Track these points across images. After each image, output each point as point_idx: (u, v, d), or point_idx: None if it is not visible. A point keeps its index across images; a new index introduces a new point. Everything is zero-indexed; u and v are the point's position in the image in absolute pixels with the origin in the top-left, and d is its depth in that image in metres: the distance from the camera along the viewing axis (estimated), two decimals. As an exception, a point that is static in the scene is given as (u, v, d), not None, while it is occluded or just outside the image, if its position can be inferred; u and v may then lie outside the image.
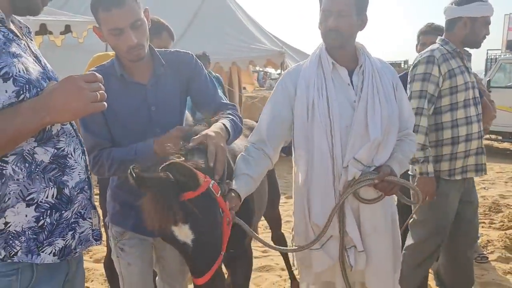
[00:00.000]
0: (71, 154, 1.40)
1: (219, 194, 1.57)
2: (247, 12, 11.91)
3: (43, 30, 7.22)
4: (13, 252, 1.27)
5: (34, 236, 1.30)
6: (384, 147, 2.05)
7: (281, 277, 3.84)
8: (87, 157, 1.50)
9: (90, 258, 4.26)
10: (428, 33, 3.52)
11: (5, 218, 1.26)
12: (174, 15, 10.82)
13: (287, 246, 3.05)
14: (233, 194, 1.79)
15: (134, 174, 1.41)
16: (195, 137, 1.68)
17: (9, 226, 1.27)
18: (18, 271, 1.29)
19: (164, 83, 2.02)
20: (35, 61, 1.38)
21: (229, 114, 2.01)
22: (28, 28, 1.50)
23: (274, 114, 2.14)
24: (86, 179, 1.46)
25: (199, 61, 2.14)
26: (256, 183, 2.02)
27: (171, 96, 2.05)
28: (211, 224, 1.54)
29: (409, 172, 2.98)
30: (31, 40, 1.48)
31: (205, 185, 1.51)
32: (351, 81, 2.07)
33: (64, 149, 1.37)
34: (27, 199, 1.29)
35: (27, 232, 1.29)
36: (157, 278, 2.36)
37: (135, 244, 2.11)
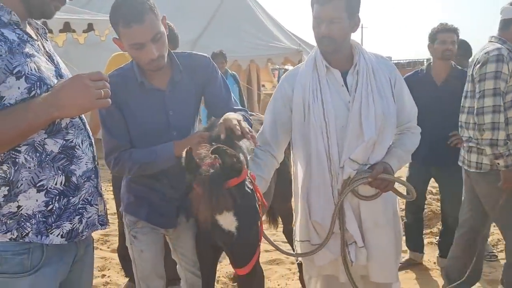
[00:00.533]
0: (79, 145, 1.51)
1: (255, 182, 1.67)
2: (266, 10, 11.98)
3: (66, 28, 7.45)
4: (25, 233, 1.40)
5: (44, 219, 1.42)
6: (380, 145, 2.10)
7: (290, 270, 3.93)
8: (94, 148, 1.61)
9: (108, 248, 4.43)
10: (448, 31, 3.55)
11: (18, 202, 1.39)
12: (194, 14, 10.99)
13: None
14: None
15: (188, 159, 1.55)
16: (217, 128, 1.78)
17: (21, 209, 1.39)
18: (30, 251, 1.41)
19: (181, 88, 2.09)
20: (48, 61, 1.50)
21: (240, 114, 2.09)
22: (45, 29, 1.62)
23: (274, 117, 2.22)
24: (93, 169, 1.57)
25: (215, 65, 2.21)
26: (267, 184, 2.13)
27: (187, 100, 2.13)
28: (253, 210, 1.64)
29: (469, 168, 3.02)
30: (47, 40, 1.61)
31: (245, 172, 1.60)
32: (346, 82, 2.11)
33: (72, 140, 1.49)
34: (37, 185, 1.41)
35: (37, 215, 1.41)
36: (177, 266, 2.45)
37: (147, 232, 2.22)
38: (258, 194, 1.70)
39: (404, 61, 33.59)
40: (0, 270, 1.38)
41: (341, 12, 2.00)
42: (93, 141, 1.61)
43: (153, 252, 2.25)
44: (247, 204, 1.61)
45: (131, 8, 1.81)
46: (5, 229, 1.38)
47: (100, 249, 4.34)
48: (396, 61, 34.68)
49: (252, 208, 1.64)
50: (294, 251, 3.43)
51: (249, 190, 1.63)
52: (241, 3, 11.32)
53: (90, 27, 7.74)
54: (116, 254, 3.76)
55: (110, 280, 3.72)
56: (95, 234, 4.74)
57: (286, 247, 4.07)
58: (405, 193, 2.25)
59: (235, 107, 2.21)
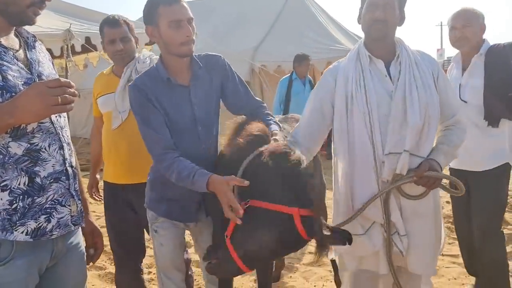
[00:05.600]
0: (45, 148, 1.57)
1: None
2: (327, 12, 11.90)
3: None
4: None
5: (8, 217, 1.50)
6: (427, 135, 2.11)
7: (330, 272, 3.86)
8: (65, 151, 1.66)
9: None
10: None
11: None
12: (255, 21, 11.20)
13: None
14: None
15: None
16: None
17: None
18: None
19: (202, 83, 2.23)
20: (23, 69, 1.57)
21: (267, 115, 2.25)
22: (34, 37, 1.71)
23: (314, 106, 2.28)
24: (64, 171, 1.63)
25: (229, 63, 2.31)
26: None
27: (210, 96, 2.25)
28: None
29: None
30: (33, 48, 1.68)
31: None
32: (389, 73, 2.15)
33: (37, 144, 1.55)
34: (1, 185, 1.48)
35: (2, 213, 1.49)
36: (199, 260, 2.55)
37: (168, 227, 2.34)
38: None
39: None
40: None
41: (394, 0, 2.12)
42: (65, 145, 1.66)
43: (172, 246, 2.36)
44: None
45: None
46: None
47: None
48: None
49: None
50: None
51: None
52: (302, 8, 11.34)
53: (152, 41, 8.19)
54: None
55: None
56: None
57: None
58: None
59: (255, 99, 2.36)
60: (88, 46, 7.62)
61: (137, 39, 2.90)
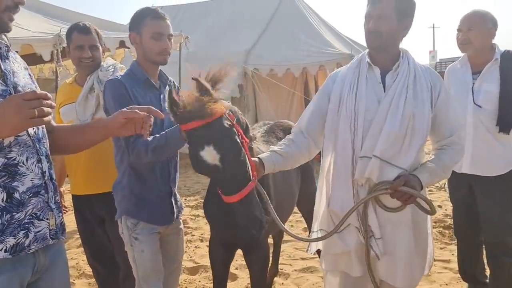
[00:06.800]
0: (23, 162, 1.52)
1: (235, 121, 1.86)
2: (320, 15, 11.91)
3: (122, 45, 7.91)
4: None
5: None
6: (409, 146, 2.11)
7: (322, 278, 3.86)
8: (44, 164, 1.61)
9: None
10: None
11: None
12: (248, 24, 11.20)
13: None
14: (255, 159, 2.07)
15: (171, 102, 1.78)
16: None
17: None
18: None
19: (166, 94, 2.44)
20: None
21: None
22: (8, 47, 1.64)
23: (315, 107, 2.33)
24: (43, 184, 1.58)
25: None
26: (284, 159, 2.21)
27: None
28: (233, 144, 1.80)
29: None
30: (7, 58, 1.62)
31: (218, 112, 1.76)
32: (385, 81, 2.17)
33: (15, 158, 1.50)
34: None
35: None
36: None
37: (148, 233, 2.39)
38: (238, 131, 1.87)
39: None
40: None
41: (390, 11, 2.11)
42: (43, 157, 1.62)
43: (152, 251, 2.40)
44: (226, 139, 1.77)
45: (158, 11, 2.38)
46: None
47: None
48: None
49: (231, 141, 1.80)
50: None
51: (227, 126, 1.80)
52: (295, 11, 11.35)
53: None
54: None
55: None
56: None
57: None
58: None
59: None
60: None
61: (104, 49, 2.92)
